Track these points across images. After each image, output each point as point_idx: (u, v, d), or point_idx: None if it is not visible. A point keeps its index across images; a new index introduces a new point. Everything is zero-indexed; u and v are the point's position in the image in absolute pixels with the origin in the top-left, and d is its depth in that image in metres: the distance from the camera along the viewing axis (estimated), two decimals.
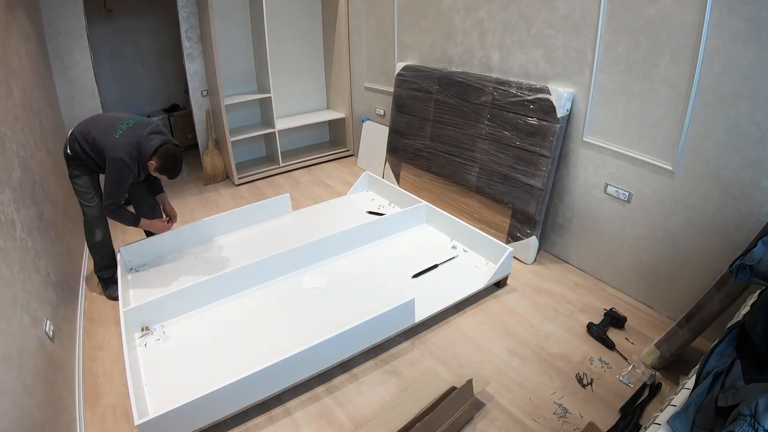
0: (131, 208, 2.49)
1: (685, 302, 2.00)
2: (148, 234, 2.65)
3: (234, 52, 3.98)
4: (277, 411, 1.80)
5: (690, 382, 1.19)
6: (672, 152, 2.01)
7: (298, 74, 4.34)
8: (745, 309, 1.45)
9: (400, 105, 3.42)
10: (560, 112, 2.35)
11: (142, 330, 2.07)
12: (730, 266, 1.40)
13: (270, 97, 3.92)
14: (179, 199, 3.77)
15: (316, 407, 1.81)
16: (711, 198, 1.93)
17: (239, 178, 3.98)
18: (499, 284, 2.44)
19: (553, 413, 1.73)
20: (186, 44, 3.74)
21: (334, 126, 4.66)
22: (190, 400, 1.52)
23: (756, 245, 1.38)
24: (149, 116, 4.72)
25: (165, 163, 2.19)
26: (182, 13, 3.65)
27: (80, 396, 1.88)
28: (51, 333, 1.80)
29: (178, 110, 4.90)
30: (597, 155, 2.33)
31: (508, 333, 2.15)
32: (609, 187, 2.31)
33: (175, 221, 2.62)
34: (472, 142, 2.89)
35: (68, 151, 2.24)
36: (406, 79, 3.31)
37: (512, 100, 2.57)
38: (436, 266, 2.46)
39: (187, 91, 4.01)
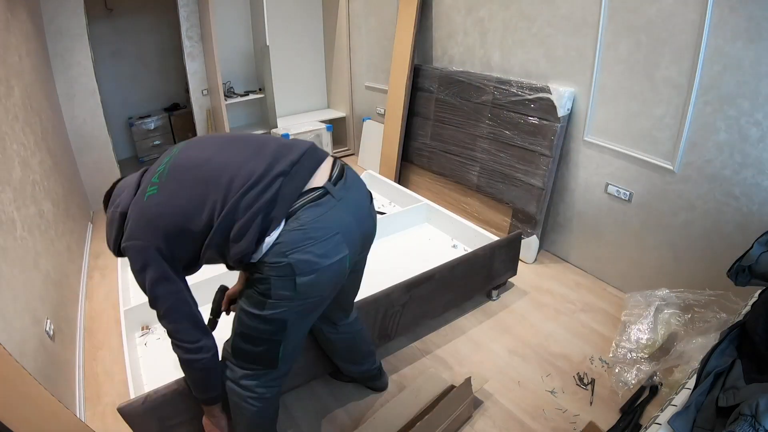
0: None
1: None
2: None
3: (234, 51, 3.98)
4: None
5: (690, 382, 1.19)
6: (673, 152, 2.01)
7: (298, 73, 4.34)
8: (745, 309, 1.44)
9: None
10: (561, 112, 2.35)
11: (143, 329, 2.07)
12: (729, 270, 1.40)
13: (270, 96, 3.92)
14: None
15: (317, 406, 1.81)
16: (712, 198, 1.92)
17: None
18: (500, 283, 2.44)
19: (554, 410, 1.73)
20: (186, 43, 3.74)
21: (335, 125, 4.66)
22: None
23: (752, 247, 1.38)
24: (149, 115, 4.72)
25: None
26: (183, 13, 3.65)
27: (81, 395, 1.88)
28: (51, 332, 1.81)
29: (179, 109, 4.90)
30: (598, 154, 2.33)
31: (508, 332, 2.15)
32: (610, 186, 2.31)
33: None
34: (472, 141, 2.89)
35: None
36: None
37: (513, 99, 2.57)
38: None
39: (187, 90, 4.02)
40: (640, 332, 1.92)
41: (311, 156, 1.20)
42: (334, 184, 1.17)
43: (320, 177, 1.17)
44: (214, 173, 1.12)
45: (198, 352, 1.21)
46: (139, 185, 1.20)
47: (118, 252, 1.20)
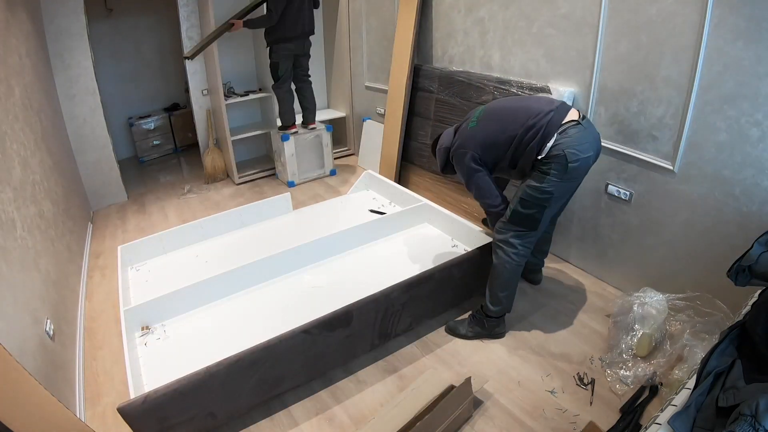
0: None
1: None
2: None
3: (234, 51, 3.98)
4: (277, 409, 1.81)
5: (690, 382, 1.19)
6: (673, 152, 2.01)
7: None
8: (745, 309, 1.44)
9: None
10: None
11: (143, 329, 2.07)
12: (729, 270, 1.40)
13: (271, 96, 3.92)
14: (179, 198, 3.77)
15: (317, 406, 1.82)
16: (711, 198, 1.92)
17: (240, 177, 3.98)
18: None
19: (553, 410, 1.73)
20: (186, 43, 3.74)
21: (335, 125, 4.66)
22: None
23: (752, 247, 1.38)
24: (149, 115, 4.72)
25: None
26: (183, 12, 3.65)
27: (81, 395, 1.88)
28: (51, 332, 1.81)
29: (179, 109, 4.90)
30: None
31: (508, 332, 2.15)
32: (610, 186, 2.31)
33: None
34: None
35: None
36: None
37: None
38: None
39: (187, 90, 4.02)
40: (625, 335, 1.94)
41: (565, 105, 1.86)
42: (582, 120, 1.82)
43: (573, 115, 1.82)
44: (513, 112, 1.89)
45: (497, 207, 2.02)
46: (456, 132, 2.07)
47: (446, 167, 2.12)
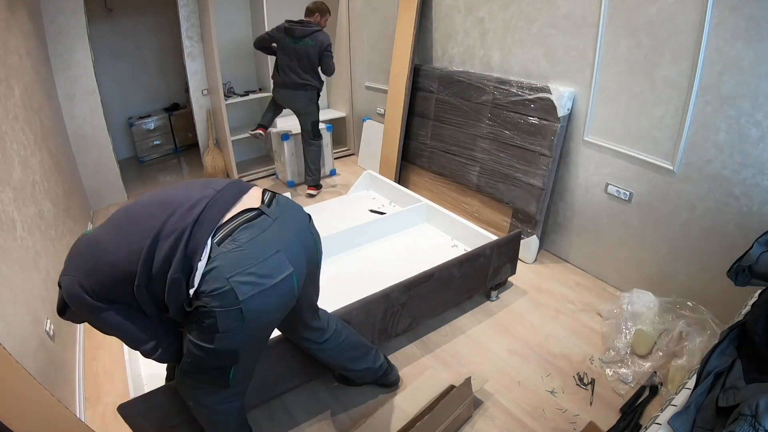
0: None
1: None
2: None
3: (234, 51, 3.98)
4: (277, 410, 1.80)
5: (690, 382, 1.19)
6: (673, 152, 2.01)
7: None
8: (745, 309, 1.44)
9: None
10: (561, 112, 2.35)
11: None
12: (729, 270, 1.40)
13: (270, 96, 3.92)
14: None
15: (317, 406, 1.81)
16: (711, 198, 1.92)
17: (240, 177, 3.98)
18: (500, 283, 2.44)
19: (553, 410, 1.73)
20: (186, 43, 3.74)
21: (335, 125, 4.66)
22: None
23: (752, 247, 1.39)
24: (149, 115, 4.72)
25: None
26: (183, 12, 3.65)
27: (81, 395, 1.88)
28: (51, 332, 1.81)
29: (179, 109, 4.90)
30: (598, 154, 2.33)
31: (508, 332, 2.15)
32: (610, 186, 2.31)
33: None
34: (472, 141, 2.89)
35: None
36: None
37: (513, 99, 2.57)
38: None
39: (187, 90, 4.02)
40: (620, 334, 1.96)
41: (236, 184, 1.17)
42: (268, 206, 1.14)
43: (251, 201, 1.13)
44: (145, 212, 1.08)
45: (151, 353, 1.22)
46: None
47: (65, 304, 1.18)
